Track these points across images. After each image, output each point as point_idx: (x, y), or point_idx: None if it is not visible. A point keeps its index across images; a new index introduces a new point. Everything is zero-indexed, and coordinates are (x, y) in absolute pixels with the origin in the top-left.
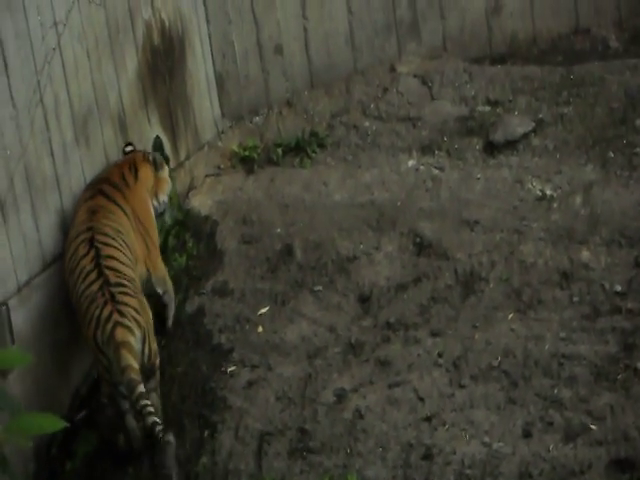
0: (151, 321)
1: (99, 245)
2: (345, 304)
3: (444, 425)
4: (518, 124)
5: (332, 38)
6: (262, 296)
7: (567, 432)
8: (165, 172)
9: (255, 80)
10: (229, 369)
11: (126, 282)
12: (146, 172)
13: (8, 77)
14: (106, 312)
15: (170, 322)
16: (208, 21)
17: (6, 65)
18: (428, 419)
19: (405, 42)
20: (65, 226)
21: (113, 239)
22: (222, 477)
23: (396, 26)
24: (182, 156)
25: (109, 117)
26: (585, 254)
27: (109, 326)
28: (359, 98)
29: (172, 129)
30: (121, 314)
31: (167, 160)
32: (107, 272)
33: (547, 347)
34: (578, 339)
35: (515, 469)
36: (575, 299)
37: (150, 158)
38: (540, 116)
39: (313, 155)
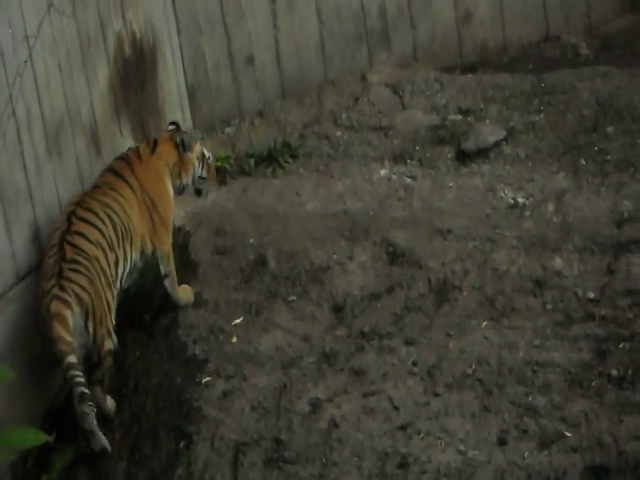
0: (105, 306)
1: (74, 220)
2: (319, 314)
3: (419, 434)
4: (489, 132)
5: (303, 48)
6: (236, 306)
7: (542, 439)
8: (193, 154)
9: (227, 91)
10: (204, 380)
11: (82, 259)
12: (166, 148)
13: None
14: (49, 285)
15: (173, 302)
16: (179, 32)
17: None
18: (403, 428)
19: (376, 52)
20: (39, 238)
21: (95, 214)
22: None
23: (367, 36)
24: None
25: (81, 129)
26: (558, 262)
27: (47, 299)
28: (330, 108)
29: (144, 140)
30: (62, 288)
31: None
32: (66, 248)
33: (521, 355)
34: (552, 346)
35: (490, 477)
36: (548, 307)
37: (177, 138)
38: (511, 124)
39: (285, 165)
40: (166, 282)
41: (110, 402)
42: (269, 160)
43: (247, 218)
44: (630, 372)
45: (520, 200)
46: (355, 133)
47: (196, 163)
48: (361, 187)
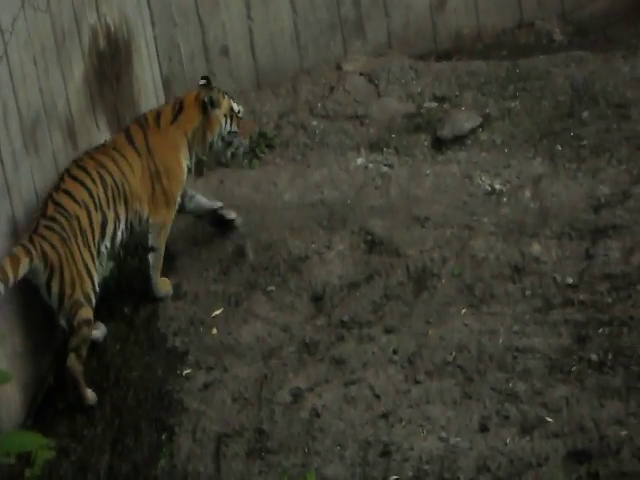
0: (82, 268)
1: (66, 178)
2: (298, 304)
3: (401, 422)
4: (465, 119)
5: (277, 38)
6: (215, 298)
7: (523, 425)
8: (221, 110)
9: None
10: (185, 372)
11: (60, 218)
12: (189, 114)
13: None
14: (23, 240)
15: (151, 289)
16: (153, 24)
17: None
18: (385, 416)
19: (350, 40)
20: (17, 234)
21: (87, 173)
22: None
23: (341, 25)
24: None
25: (57, 123)
26: (536, 247)
27: (14, 249)
28: (306, 97)
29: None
30: (30, 240)
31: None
32: (49, 205)
33: (501, 341)
34: (531, 332)
35: (473, 463)
36: (527, 292)
37: (205, 97)
38: (487, 111)
39: (262, 156)
40: (150, 257)
41: (91, 394)
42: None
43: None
44: (610, 356)
45: (497, 187)
46: (331, 122)
47: (223, 120)
48: (338, 176)
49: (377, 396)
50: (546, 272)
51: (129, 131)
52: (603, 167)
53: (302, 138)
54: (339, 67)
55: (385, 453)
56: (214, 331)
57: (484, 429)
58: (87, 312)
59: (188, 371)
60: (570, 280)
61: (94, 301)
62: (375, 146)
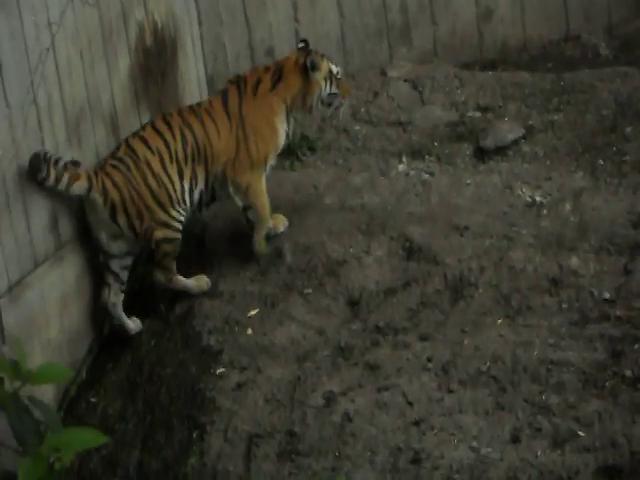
0: (144, 203)
1: (147, 128)
2: (334, 307)
3: (432, 429)
4: (508, 130)
5: (323, 41)
6: (251, 298)
7: (555, 438)
8: (321, 73)
9: None
10: (218, 371)
11: (128, 159)
12: (289, 81)
13: (2, 76)
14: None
15: (254, 245)
16: (200, 22)
17: (0, 64)
18: (417, 423)
19: (396, 46)
20: (57, 226)
21: (169, 128)
22: (210, 478)
23: (387, 30)
24: None
25: (101, 118)
26: (574, 261)
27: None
28: (350, 102)
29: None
30: (95, 173)
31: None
32: (122, 147)
33: (536, 353)
34: (567, 346)
35: (503, 474)
36: (564, 306)
37: (307, 61)
38: (530, 122)
39: (303, 158)
40: (249, 214)
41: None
42: (287, 153)
43: None
44: None
45: (537, 198)
46: (374, 127)
47: (322, 83)
48: (379, 182)
49: (410, 403)
50: (583, 286)
51: (226, 94)
52: None
53: (344, 142)
54: (384, 73)
55: (415, 460)
56: (249, 331)
57: (515, 440)
58: (162, 232)
59: (222, 370)
60: (607, 295)
61: (175, 224)
62: (417, 153)
